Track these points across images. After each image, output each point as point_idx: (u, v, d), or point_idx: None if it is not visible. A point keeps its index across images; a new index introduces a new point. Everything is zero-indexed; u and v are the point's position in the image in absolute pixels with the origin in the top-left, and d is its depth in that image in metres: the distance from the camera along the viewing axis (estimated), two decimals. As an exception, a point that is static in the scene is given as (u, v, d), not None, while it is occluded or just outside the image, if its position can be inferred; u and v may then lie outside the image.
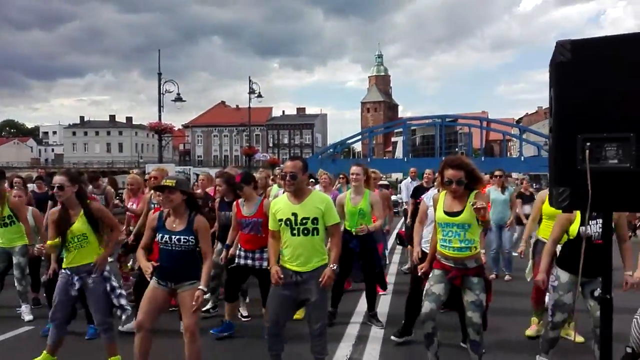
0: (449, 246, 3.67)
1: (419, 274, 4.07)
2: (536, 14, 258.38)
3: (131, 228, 6.18)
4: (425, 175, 7.92)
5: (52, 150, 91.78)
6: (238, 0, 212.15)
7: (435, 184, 5.57)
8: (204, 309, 5.30)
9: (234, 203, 5.04)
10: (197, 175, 17.70)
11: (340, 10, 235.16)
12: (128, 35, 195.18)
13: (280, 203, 3.72)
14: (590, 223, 3.66)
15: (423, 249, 4.59)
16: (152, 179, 5.91)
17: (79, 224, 3.95)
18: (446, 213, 3.67)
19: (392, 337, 4.78)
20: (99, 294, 4.00)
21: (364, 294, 5.71)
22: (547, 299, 5.41)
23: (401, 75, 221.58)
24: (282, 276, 3.58)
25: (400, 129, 62.16)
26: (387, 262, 8.52)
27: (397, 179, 46.96)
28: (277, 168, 8.92)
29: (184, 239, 3.59)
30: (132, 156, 75.20)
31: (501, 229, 7.63)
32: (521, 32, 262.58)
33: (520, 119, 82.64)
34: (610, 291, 2.17)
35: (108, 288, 4.06)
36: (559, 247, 4.02)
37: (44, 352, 4.07)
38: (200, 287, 3.59)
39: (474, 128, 53.84)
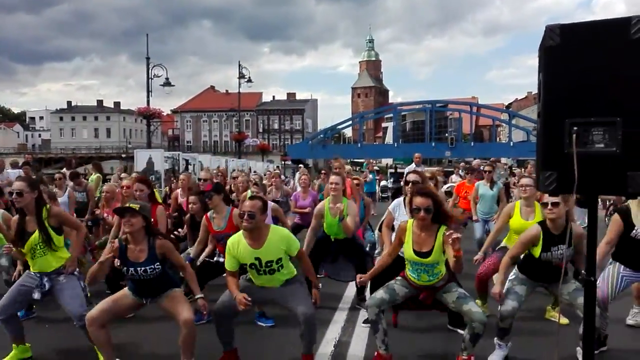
0: (417, 277, 3.72)
1: (358, 284, 4.20)
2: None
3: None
4: (415, 160, 7.95)
5: (39, 135, 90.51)
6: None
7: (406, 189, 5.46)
8: None
9: (204, 217, 5.01)
10: (187, 160, 17.62)
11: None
12: (117, 19, 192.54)
13: (240, 248, 3.69)
14: (552, 249, 3.80)
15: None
16: (124, 188, 5.71)
17: (36, 234, 3.87)
18: (415, 253, 3.63)
19: (362, 324, 4.80)
20: (73, 289, 3.95)
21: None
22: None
23: (393, 60, 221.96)
24: (249, 300, 3.56)
25: (391, 115, 62.19)
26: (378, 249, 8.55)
27: (387, 164, 47.12)
28: (252, 173, 8.80)
29: (149, 268, 3.58)
30: (120, 141, 74.48)
31: (487, 222, 7.70)
32: (512, 16, 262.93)
33: (510, 104, 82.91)
34: (594, 273, 2.20)
35: (82, 284, 4.03)
36: None
37: (13, 344, 3.99)
38: (197, 296, 3.67)
39: (464, 113, 53.92)
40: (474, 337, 3.57)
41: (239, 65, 30.38)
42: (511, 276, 4.07)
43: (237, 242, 3.72)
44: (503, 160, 25.84)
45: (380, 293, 3.75)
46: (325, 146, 49.56)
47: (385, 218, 5.02)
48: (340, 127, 56.10)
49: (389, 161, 51.84)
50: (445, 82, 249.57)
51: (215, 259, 4.95)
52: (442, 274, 3.71)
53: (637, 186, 1.96)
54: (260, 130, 76.88)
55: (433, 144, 46.89)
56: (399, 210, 4.81)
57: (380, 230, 7.64)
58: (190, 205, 5.41)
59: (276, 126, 77.97)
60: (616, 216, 4.03)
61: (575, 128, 2.05)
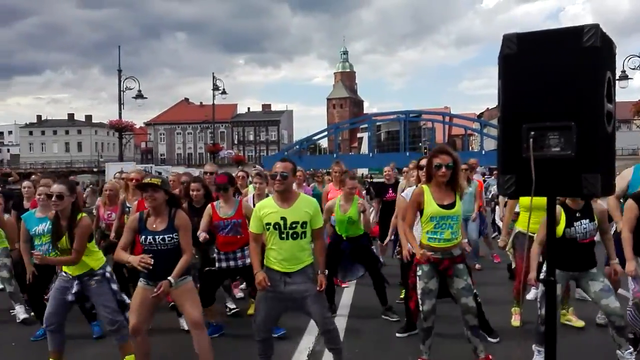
0: (439, 238, 3.75)
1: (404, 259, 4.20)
2: (499, 10, 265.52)
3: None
4: (385, 173, 8.01)
5: (8, 150, 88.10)
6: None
7: (411, 179, 5.57)
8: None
9: (209, 206, 4.92)
10: (159, 173, 17.43)
11: (306, 6, 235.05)
12: (89, 31, 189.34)
13: (267, 207, 3.64)
14: (575, 224, 3.84)
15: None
16: (133, 180, 5.63)
17: (65, 239, 3.86)
18: (440, 206, 3.73)
19: (397, 334, 4.78)
20: (104, 293, 3.93)
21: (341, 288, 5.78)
22: (532, 293, 5.59)
23: (367, 71, 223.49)
24: (269, 283, 3.51)
25: (366, 125, 62.78)
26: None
27: (362, 174, 47.36)
28: (253, 168, 8.73)
29: (167, 237, 3.56)
30: (92, 155, 72.99)
31: (466, 221, 7.77)
32: (484, 28, 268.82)
33: (482, 113, 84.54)
34: (554, 274, 2.26)
35: (114, 287, 4.01)
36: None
37: (51, 359, 3.93)
38: (170, 277, 3.50)
39: (437, 123, 54.87)
40: (473, 330, 3.77)
41: (213, 77, 30.28)
42: (418, 272, 3.97)
43: (265, 204, 3.69)
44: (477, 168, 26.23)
45: (428, 303, 3.80)
46: (301, 157, 49.69)
47: (397, 206, 4.99)
48: (316, 137, 56.41)
49: (365, 171, 52.12)
50: (419, 93, 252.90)
51: (217, 265, 4.85)
52: (459, 236, 3.84)
53: (592, 187, 2.03)
54: (236, 142, 76.53)
55: (407, 154, 47.39)
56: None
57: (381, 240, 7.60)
58: (193, 192, 5.32)
59: (252, 137, 77.76)
60: (631, 202, 4.03)
61: (532, 133, 2.11)
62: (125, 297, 4.07)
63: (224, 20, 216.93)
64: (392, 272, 6.15)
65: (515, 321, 5.09)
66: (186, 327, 4.73)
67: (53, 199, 3.84)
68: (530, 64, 2.18)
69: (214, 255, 4.91)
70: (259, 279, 3.50)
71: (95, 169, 55.02)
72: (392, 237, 6.55)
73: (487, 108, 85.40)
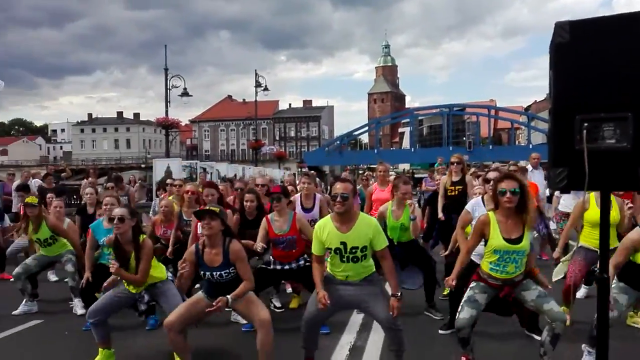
0: (502, 270, 3.58)
1: (448, 286, 3.96)
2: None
3: None
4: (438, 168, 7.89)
5: (61, 147, 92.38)
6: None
7: (478, 192, 5.31)
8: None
9: (264, 220, 4.95)
10: (204, 169, 17.78)
11: (348, 1, 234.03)
12: (136, 32, 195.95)
13: (327, 231, 3.57)
14: None
15: (472, 259, 4.31)
16: (189, 192, 5.71)
17: (133, 261, 3.99)
18: (506, 240, 3.52)
19: (440, 331, 4.73)
20: (172, 294, 4.08)
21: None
22: (581, 292, 5.47)
23: (409, 65, 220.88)
24: (328, 302, 3.45)
25: (408, 120, 61.88)
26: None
27: (404, 169, 46.88)
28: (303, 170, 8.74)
29: (225, 273, 3.65)
30: (140, 152, 75.52)
31: None
32: (532, 18, 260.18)
33: (529, 106, 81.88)
34: (607, 270, 2.17)
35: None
36: None
37: (100, 349, 4.09)
38: (229, 296, 3.56)
39: (482, 117, 53.48)
40: (554, 338, 3.51)
41: (256, 74, 30.65)
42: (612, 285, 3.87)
43: (324, 225, 3.62)
44: (522, 162, 25.48)
45: (468, 311, 3.61)
46: (342, 152, 49.59)
47: (460, 218, 4.85)
48: (356, 133, 56.10)
49: (406, 166, 51.58)
50: (463, 86, 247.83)
51: (272, 266, 4.91)
52: (523, 268, 3.62)
53: (650, 181, 1.93)
54: (277, 138, 77.23)
55: (450, 148, 46.49)
56: (478, 209, 4.64)
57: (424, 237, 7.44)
58: (246, 203, 5.36)
59: (293, 133, 78.23)
60: None
61: (585, 124, 2.03)
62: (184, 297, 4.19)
63: (266, 18, 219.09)
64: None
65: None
66: (241, 321, 4.92)
67: (115, 222, 3.96)
68: (583, 53, 2.09)
69: (270, 257, 4.98)
70: (320, 296, 3.47)
71: (143, 165, 56.80)
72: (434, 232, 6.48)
73: (535, 101, 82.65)
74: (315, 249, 3.65)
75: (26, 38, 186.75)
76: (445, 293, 5.80)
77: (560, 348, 3.62)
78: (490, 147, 48.73)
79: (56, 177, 10.71)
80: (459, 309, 3.67)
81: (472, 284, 3.73)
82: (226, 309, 3.79)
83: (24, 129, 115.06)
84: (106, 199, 5.20)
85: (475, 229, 3.74)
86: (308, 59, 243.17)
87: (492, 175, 4.70)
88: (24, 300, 5.74)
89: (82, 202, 7.42)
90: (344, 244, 3.49)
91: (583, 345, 3.86)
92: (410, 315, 5.28)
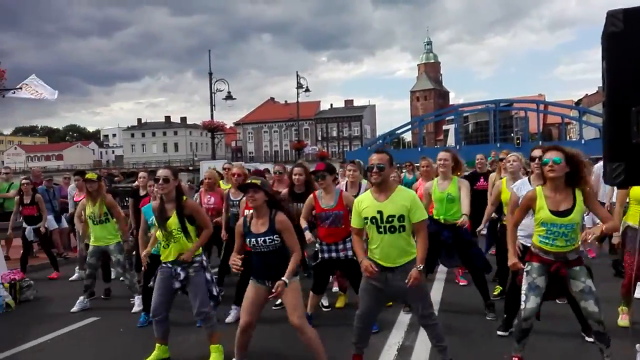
0: (552, 244, 3.51)
1: (514, 269, 3.85)
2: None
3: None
4: (477, 162, 7.76)
5: (113, 152, 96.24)
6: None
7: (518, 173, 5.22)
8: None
9: (311, 195, 5.00)
10: (249, 170, 18.07)
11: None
12: (181, 38, 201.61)
13: (365, 201, 3.62)
14: None
15: (523, 243, 4.29)
16: (236, 175, 5.94)
17: (174, 219, 4.15)
18: (553, 212, 3.44)
19: (498, 332, 4.56)
20: (200, 283, 4.18)
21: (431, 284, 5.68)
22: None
23: (453, 61, 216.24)
24: (376, 269, 3.49)
25: (452, 117, 60.77)
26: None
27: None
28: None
29: (269, 239, 3.69)
30: (187, 155, 77.71)
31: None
32: (581, 9, 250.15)
33: (580, 100, 78.63)
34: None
35: (208, 277, 4.27)
36: None
37: (157, 344, 4.25)
38: (284, 278, 3.60)
39: (530, 112, 51.85)
40: (597, 335, 3.48)
41: (297, 75, 30.92)
42: (527, 267, 3.74)
43: (363, 198, 3.68)
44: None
45: (534, 299, 3.55)
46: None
47: (510, 201, 4.60)
48: (399, 131, 55.64)
49: (451, 164, 50.57)
50: (509, 81, 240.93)
51: (320, 256, 4.93)
52: (577, 243, 3.53)
53: None
54: (319, 138, 77.58)
55: (498, 145, 45.28)
56: (523, 188, 4.46)
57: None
58: (295, 177, 5.48)
59: (335, 133, 78.40)
60: None
61: (643, 116, 1.94)
62: (214, 288, 4.30)
63: (306, 19, 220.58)
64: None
65: (623, 321, 4.72)
66: (325, 303, 5.26)
67: (160, 182, 4.15)
68: (638, 42, 2.00)
69: (316, 248, 4.97)
70: (365, 265, 3.51)
71: (190, 167, 58.44)
72: (486, 230, 6.29)
73: (586, 94, 79.26)
74: (354, 222, 3.69)
75: (78, 47, 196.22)
76: (495, 293, 5.68)
77: (614, 348, 3.48)
78: (540, 143, 46.97)
79: (109, 181, 11.15)
80: (524, 299, 3.60)
81: (527, 267, 3.65)
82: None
83: (77, 135, 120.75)
84: (159, 172, 5.44)
85: (522, 205, 3.71)
86: (349, 59, 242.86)
87: (536, 152, 4.47)
88: (82, 297, 6.02)
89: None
90: (380, 212, 3.50)
91: (638, 345, 3.69)
92: (458, 314, 5.24)
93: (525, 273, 3.65)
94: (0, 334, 5.13)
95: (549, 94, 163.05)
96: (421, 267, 3.49)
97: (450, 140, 69.10)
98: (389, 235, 3.51)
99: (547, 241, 3.52)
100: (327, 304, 5.74)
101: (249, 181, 3.80)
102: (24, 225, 7.76)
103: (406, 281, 3.45)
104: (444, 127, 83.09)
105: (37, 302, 6.35)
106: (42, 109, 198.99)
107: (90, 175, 5.97)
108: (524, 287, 3.63)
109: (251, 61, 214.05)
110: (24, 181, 8.01)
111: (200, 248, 4.34)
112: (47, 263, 8.12)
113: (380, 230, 3.52)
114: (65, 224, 9.92)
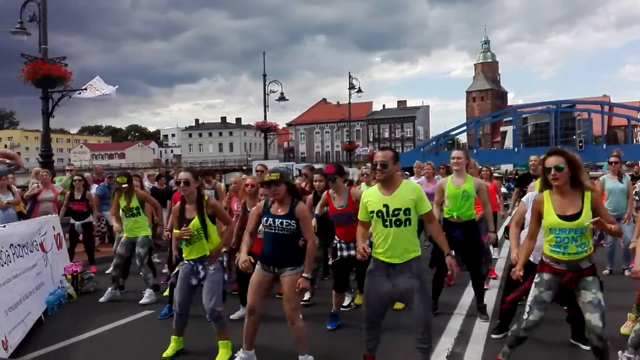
0: (562, 252, 3.39)
1: (513, 277, 3.74)
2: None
3: None
4: (531, 163, 7.47)
5: (172, 151, 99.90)
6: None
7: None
8: (304, 299, 5.44)
9: (324, 193, 5.27)
10: (300, 170, 18.22)
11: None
12: (238, 40, 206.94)
13: (371, 195, 3.68)
14: None
15: (531, 259, 4.13)
16: (249, 186, 5.91)
17: (195, 220, 4.27)
18: (561, 217, 3.35)
19: (493, 335, 4.61)
20: (217, 282, 4.28)
21: (467, 287, 5.51)
22: None
23: (511, 60, 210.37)
24: (368, 250, 3.59)
25: (510, 118, 58.73)
26: (495, 256, 8.13)
27: (506, 170, 44.56)
28: (364, 167, 8.68)
29: (286, 222, 3.81)
30: (242, 154, 79.46)
31: (619, 221, 6.81)
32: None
33: (650, 101, 74.05)
34: None
35: (225, 277, 4.38)
36: None
37: (172, 336, 4.40)
38: (304, 274, 3.75)
39: (594, 113, 49.28)
40: (595, 351, 3.39)
41: (349, 76, 30.92)
42: (536, 278, 3.61)
43: (370, 192, 3.74)
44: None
45: (537, 313, 3.49)
46: (438, 153, 48.25)
47: (515, 213, 4.71)
48: (454, 133, 54.39)
49: (509, 167, 48.91)
50: (571, 81, 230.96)
51: (339, 254, 5.07)
52: (590, 249, 3.41)
53: None
54: (371, 139, 77.24)
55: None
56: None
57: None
58: (315, 183, 5.82)
59: (387, 135, 77.83)
60: None
61: None
62: (227, 288, 4.44)
63: (361, 20, 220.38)
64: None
65: (626, 328, 4.51)
66: (345, 303, 5.40)
67: (181, 185, 4.30)
68: None
69: (335, 244, 5.15)
70: (359, 248, 3.59)
71: (244, 167, 59.60)
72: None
73: (658, 94, 74.55)
74: (360, 215, 3.74)
75: (140, 50, 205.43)
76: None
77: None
78: (604, 146, 44.58)
79: (167, 179, 11.52)
80: (528, 310, 3.54)
81: (536, 279, 3.55)
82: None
83: (139, 134, 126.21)
84: (180, 175, 5.59)
85: (532, 211, 3.61)
86: (403, 59, 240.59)
87: (551, 160, 4.36)
88: (110, 288, 6.38)
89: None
90: (386, 206, 3.53)
91: (620, 352, 3.64)
92: (455, 318, 5.14)
93: (533, 284, 3.54)
94: (62, 323, 5.40)
95: (615, 95, 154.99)
96: (453, 253, 3.55)
97: (508, 142, 66.88)
98: (395, 229, 3.52)
99: (558, 249, 3.40)
100: (346, 303, 5.72)
101: (267, 178, 3.88)
102: (72, 220, 8.03)
103: (449, 272, 3.55)
104: (502, 129, 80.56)
105: (96, 294, 6.66)
106: (106, 109, 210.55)
107: (120, 179, 6.28)
108: (530, 298, 3.55)
109: (305, 63, 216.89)
110: (76, 177, 8.33)
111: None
112: (107, 256, 8.47)
113: (386, 223, 3.54)
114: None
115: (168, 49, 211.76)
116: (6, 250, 4.96)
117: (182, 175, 4.35)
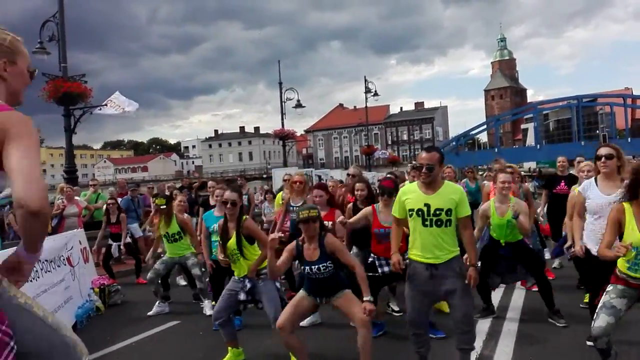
0: None
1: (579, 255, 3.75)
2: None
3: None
4: (559, 164, 7.31)
5: (193, 162, 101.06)
6: (354, 1, 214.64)
7: (587, 173, 5.04)
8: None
9: (370, 207, 4.96)
10: (319, 176, 18.25)
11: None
12: (254, 50, 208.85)
13: (410, 192, 3.55)
14: None
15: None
16: (297, 182, 5.99)
17: (232, 240, 4.27)
18: None
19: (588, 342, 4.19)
20: (271, 291, 4.26)
21: (497, 289, 5.44)
22: None
23: (529, 57, 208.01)
24: (403, 266, 3.54)
25: (531, 115, 57.85)
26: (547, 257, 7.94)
27: (529, 168, 43.84)
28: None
29: (322, 266, 3.78)
30: (261, 163, 79.89)
31: None
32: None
33: (676, 91, 72.14)
34: None
35: (278, 285, 4.35)
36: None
37: (229, 347, 4.39)
38: (366, 298, 3.64)
39: (617, 107, 48.17)
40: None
41: (365, 80, 30.85)
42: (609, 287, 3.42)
43: (409, 189, 3.62)
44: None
45: (604, 318, 3.24)
46: (458, 154, 47.75)
47: (575, 204, 4.36)
48: (473, 132, 53.76)
49: (532, 164, 48.09)
50: (592, 75, 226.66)
51: (379, 270, 4.82)
52: None
53: None
54: (389, 142, 76.93)
55: (582, 143, 42.45)
56: (589, 189, 4.14)
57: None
58: (357, 192, 5.48)
59: (405, 137, 77.42)
60: None
61: None
62: (284, 296, 4.38)
63: (375, 23, 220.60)
64: (569, 273, 5.56)
65: None
66: (396, 308, 5.39)
67: (228, 205, 4.27)
68: None
69: (372, 260, 4.88)
70: (394, 261, 3.54)
71: (264, 175, 59.94)
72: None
73: (683, 83, 72.61)
74: (395, 211, 3.65)
75: (158, 64, 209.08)
76: (585, 301, 5.31)
77: None
78: (629, 139, 43.50)
79: (188, 190, 11.64)
80: (594, 317, 3.31)
81: (609, 287, 3.34)
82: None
83: (160, 147, 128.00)
84: (217, 191, 5.65)
85: (610, 221, 3.30)
86: (419, 60, 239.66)
87: (602, 151, 3.97)
88: (157, 302, 6.34)
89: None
90: (427, 205, 3.43)
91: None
92: (540, 323, 4.94)
93: (605, 293, 3.35)
94: (91, 336, 5.44)
95: (637, 87, 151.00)
96: (478, 265, 3.39)
97: (530, 140, 65.78)
98: (435, 228, 3.43)
99: (636, 267, 3.16)
100: (397, 309, 5.64)
101: (307, 214, 3.79)
102: (110, 241, 8.32)
103: (466, 281, 3.41)
104: (522, 126, 79.30)
105: (124, 306, 6.74)
106: (128, 124, 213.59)
107: (159, 201, 6.26)
108: (600, 303, 3.34)
109: (320, 69, 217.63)
110: (109, 201, 8.55)
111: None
112: (133, 269, 8.59)
113: (426, 223, 3.44)
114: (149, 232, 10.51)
115: (185, 62, 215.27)
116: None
117: (228, 195, 4.31)
